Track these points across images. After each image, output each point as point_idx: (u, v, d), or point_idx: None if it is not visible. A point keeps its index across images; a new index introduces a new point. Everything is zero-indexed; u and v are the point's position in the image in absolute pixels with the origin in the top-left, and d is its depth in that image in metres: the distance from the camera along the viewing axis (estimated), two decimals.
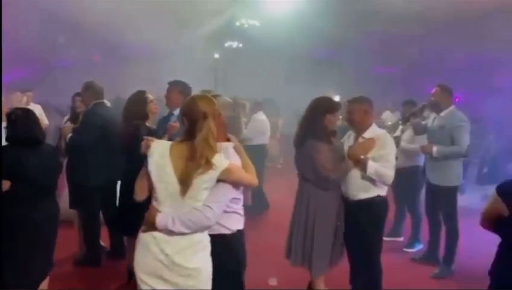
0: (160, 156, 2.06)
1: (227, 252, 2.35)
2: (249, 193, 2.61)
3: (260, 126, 6.31)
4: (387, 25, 9.12)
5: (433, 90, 4.33)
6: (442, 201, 4.35)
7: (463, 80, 9.09)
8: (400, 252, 4.99)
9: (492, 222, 2.12)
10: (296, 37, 10.44)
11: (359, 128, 3.32)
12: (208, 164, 2.01)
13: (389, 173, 3.19)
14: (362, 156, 3.16)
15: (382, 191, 3.28)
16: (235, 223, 2.43)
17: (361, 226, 3.23)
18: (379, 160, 3.17)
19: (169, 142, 2.17)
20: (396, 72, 12.44)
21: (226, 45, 14.10)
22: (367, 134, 3.27)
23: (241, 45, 14.01)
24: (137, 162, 2.31)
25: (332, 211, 3.31)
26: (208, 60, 13.26)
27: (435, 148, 4.19)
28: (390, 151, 3.24)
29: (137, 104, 3.54)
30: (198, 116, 2.06)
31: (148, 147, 2.12)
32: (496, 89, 9.28)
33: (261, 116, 6.44)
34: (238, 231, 2.46)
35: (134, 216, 2.24)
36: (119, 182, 3.74)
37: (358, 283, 3.39)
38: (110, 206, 3.85)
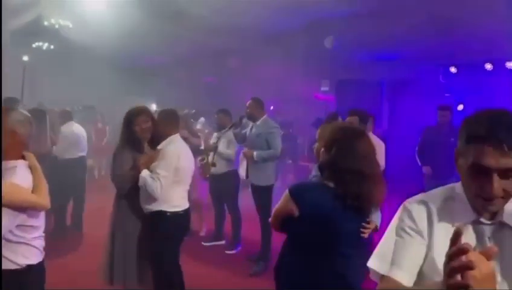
0: None
1: None
2: None
3: (71, 138, 5.74)
4: (209, 36, 9.47)
5: (248, 103, 4.90)
6: (259, 200, 4.80)
7: (276, 90, 10.18)
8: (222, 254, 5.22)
9: (281, 221, 2.26)
10: (117, 43, 9.94)
11: (157, 139, 3.36)
12: None
13: (153, 184, 3.15)
14: (143, 166, 3.19)
15: (156, 206, 3.23)
16: (25, 256, 2.09)
17: (152, 238, 3.26)
18: (152, 171, 3.20)
19: None
20: (215, 82, 13.06)
21: (34, 45, 12.56)
22: (160, 146, 3.31)
23: (52, 47, 12.66)
24: None
25: (131, 222, 3.30)
26: (14, 63, 11.56)
27: (254, 153, 4.68)
28: (158, 165, 3.20)
29: None
30: None
31: None
32: (303, 99, 10.65)
33: (71, 126, 5.87)
34: (29, 266, 2.10)
35: None
36: None
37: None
38: None
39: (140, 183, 3.17)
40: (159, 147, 3.30)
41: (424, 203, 1.36)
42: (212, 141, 5.52)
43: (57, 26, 11.11)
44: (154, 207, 3.23)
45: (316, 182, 2.31)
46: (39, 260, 2.15)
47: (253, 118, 4.90)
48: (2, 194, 1.87)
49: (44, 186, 2.11)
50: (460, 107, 10.32)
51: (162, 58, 12.35)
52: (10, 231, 1.98)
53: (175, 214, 3.28)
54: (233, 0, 7.51)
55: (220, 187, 5.42)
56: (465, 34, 7.40)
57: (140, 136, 3.32)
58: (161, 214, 3.24)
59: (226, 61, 11.26)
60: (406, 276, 1.31)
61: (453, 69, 9.29)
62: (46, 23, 11.08)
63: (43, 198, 2.05)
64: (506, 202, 1.25)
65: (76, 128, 5.94)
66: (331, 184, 2.14)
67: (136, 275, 3.33)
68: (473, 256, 0.99)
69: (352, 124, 3.79)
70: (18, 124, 2.08)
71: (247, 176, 4.93)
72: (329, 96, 10.95)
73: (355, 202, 2.10)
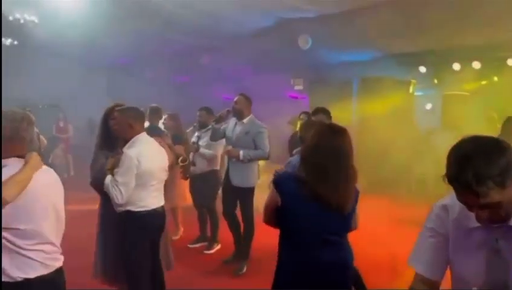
0: None
1: None
2: None
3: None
4: (180, 34, 9.33)
5: (237, 98, 4.66)
6: (242, 201, 4.70)
7: (247, 88, 10.12)
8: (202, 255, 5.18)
9: (272, 214, 2.31)
10: (87, 41, 9.65)
11: (122, 139, 3.22)
12: None
13: (113, 192, 3.04)
14: (108, 171, 3.12)
15: (130, 206, 3.14)
16: (20, 268, 1.93)
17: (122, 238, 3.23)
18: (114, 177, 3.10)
19: None
20: (188, 80, 12.90)
21: None
22: (125, 147, 3.16)
23: (16, 42, 12.18)
24: None
25: (111, 221, 3.28)
26: None
27: (241, 152, 4.48)
28: (118, 171, 3.08)
29: None
30: None
31: None
32: (276, 97, 10.64)
33: None
34: (27, 280, 1.94)
35: None
36: None
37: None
38: None
39: (105, 188, 3.07)
40: (123, 149, 3.13)
41: (446, 207, 1.51)
42: (193, 140, 5.38)
43: (22, 21, 10.69)
44: (122, 208, 3.13)
45: (292, 173, 2.39)
46: (38, 274, 1.96)
47: (240, 115, 4.62)
48: None
49: (16, 182, 1.90)
50: (429, 106, 10.60)
51: (131, 57, 12.09)
52: (2, 237, 1.85)
53: (143, 214, 3.16)
54: None
55: (200, 187, 5.28)
56: (435, 34, 7.56)
57: (114, 134, 3.25)
58: (128, 213, 3.13)
59: (198, 60, 11.12)
60: (428, 270, 1.54)
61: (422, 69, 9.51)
62: (10, 18, 10.65)
63: (4, 191, 1.83)
64: (506, 211, 1.32)
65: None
66: (306, 178, 2.18)
67: (114, 273, 3.37)
68: None
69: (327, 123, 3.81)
70: (4, 124, 2.00)
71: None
72: (303, 95, 11.01)
73: (319, 198, 2.15)
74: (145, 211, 3.18)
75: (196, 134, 5.44)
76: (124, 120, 3.14)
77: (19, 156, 2.02)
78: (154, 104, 5.66)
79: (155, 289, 3.41)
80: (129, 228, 3.17)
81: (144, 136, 3.23)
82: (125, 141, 3.18)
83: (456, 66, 8.87)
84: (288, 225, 2.25)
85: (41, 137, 4.99)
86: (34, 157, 2.04)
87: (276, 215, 2.29)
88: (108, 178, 3.07)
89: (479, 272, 1.39)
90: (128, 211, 3.13)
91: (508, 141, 1.33)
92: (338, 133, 2.27)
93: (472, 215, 1.35)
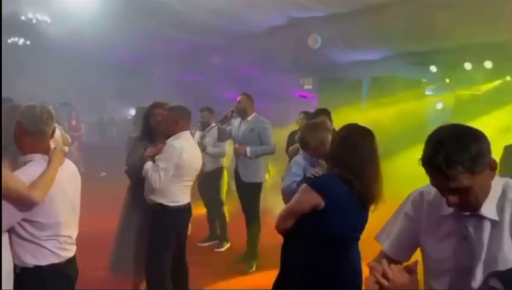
0: None
1: None
2: None
3: None
4: (192, 34, 9.37)
5: (239, 98, 4.74)
6: (248, 197, 4.74)
7: (257, 88, 10.12)
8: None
9: (293, 220, 2.34)
10: (96, 39, 9.73)
11: (168, 133, 3.40)
12: None
13: (152, 176, 3.21)
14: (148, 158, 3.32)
15: (156, 198, 3.30)
16: (34, 255, 2.01)
17: (152, 230, 3.35)
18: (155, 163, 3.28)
19: None
20: (196, 79, 12.94)
21: (10, 41, 12.20)
22: (168, 140, 3.37)
23: (28, 42, 12.33)
24: None
25: (135, 213, 3.46)
26: None
27: (248, 149, 4.54)
28: (160, 157, 3.27)
29: None
30: None
31: None
32: (285, 97, 10.63)
33: None
34: (37, 267, 2.01)
35: None
36: None
37: None
38: None
39: (143, 173, 3.25)
40: (167, 141, 3.33)
41: (422, 193, 1.56)
42: (196, 140, 5.41)
43: (34, 21, 10.83)
44: (155, 199, 3.29)
45: (332, 174, 2.39)
46: (50, 262, 2.03)
47: (244, 114, 4.72)
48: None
49: (44, 183, 1.98)
50: (440, 105, 10.49)
51: (140, 56, 12.16)
52: (21, 226, 1.93)
53: (172, 209, 3.31)
54: None
55: (208, 185, 5.32)
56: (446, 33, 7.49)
57: (154, 128, 3.47)
58: (160, 206, 3.30)
59: (207, 59, 11.15)
60: (393, 250, 1.62)
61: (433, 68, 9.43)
62: (22, 17, 10.79)
63: (34, 191, 1.93)
64: (476, 198, 1.37)
65: None
66: (348, 176, 2.25)
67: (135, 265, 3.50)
68: (391, 270, 1.26)
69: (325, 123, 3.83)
70: (24, 119, 2.07)
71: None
72: (312, 95, 10.98)
73: (360, 195, 2.26)
74: (177, 205, 3.34)
75: (198, 133, 5.48)
76: (171, 117, 3.36)
77: (42, 153, 2.08)
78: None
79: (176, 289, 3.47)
80: (159, 221, 3.30)
81: (187, 134, 3.45)
82: (168, 136, 3.36)
83: (468, 66, 8.77)
84: (331, 227, 2.26)
85: (65, 134, 5.09)
86: (57, 154, 2.11)
87: (305, 221, 2.29)
88: (149, 164, 3.25)
89: (448, 257, 1.45)
90: (161, 205, 3.29)
91: (508, 169, 1.39)
92: (370, 133, 2.37)
93: (445, 203, 1.40)
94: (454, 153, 1.29)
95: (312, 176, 2.58)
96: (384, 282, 1.26)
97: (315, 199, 2.22)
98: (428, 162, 1.34)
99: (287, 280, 2.39)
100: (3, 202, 1.87)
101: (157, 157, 3.26)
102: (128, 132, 6.51)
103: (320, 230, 2.27)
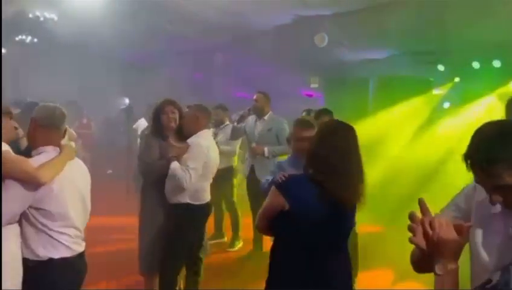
0: None
1: (29, 286, 2.00)
2: None
3: None
4: (199, 33, 9.37)
5: (256, 96, 4.73)
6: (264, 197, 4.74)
7: (263, 86, 10.10)
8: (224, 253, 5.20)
9: (269, 222, 2.35)
10: (104, 37, 9.76)
11: (186, 132, 3.47)
12: None
13: (183, 176, 3.22)
14: (173, 158, 3.30)
15: (183, 198, 3.31)
16: (45, 247, 2.04)
17: (168, 230, 3.38)
18: (182, 163, 3.28)
19: None
20: (204, 78, 12.93)
21: (17, 39, 12.26)
22: (190, 139, 3.42)
23: (36, 40, 12.38)
24: None
25: (158, 212, 3.41)
26: None
27: (266, 149, 4.54)
28: (189, 157, 3.28)
29: None
30: None
31: None
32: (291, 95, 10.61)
33: None
34: (50, 259, 2.06)
35: None
36: None
37: None
38: None
39: (170, 173, 3.23)
40: (188, 140, 3.33)
41: (475, 187, 1.52)
42: None
43: (41, 18, 10.87)
44: (181, 198, 3.29)
45: (302, 176, 2.30)
46: (62, 255, 2.07)
47: (261, 113, 4.74)
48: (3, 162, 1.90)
49: (52, 165, 2.07)
50: (447, 104, 10.42)
51: (148, 55, 12.18)
52: (33, 216, 1.96)
53: (198, 207, 3.37)
54: None
55: (218, 184, 5.31)
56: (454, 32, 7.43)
57: (166, 125, 3.45)
58: (187, 206, 3.32)
59: (214, 58, 11.15)
60: None
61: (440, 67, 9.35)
62: (30, 15, 10.84)
63: (40, 171, 2.00)
64: None
65: None
66: (320, 178, 2.15)
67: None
68: (438, 223, 1.20)
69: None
70: (38, 114, 2.21)
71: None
72: (318, 93, 10.94)
73: (332, 197, 2.11)
74: (203, 204, 3.41)
75: (211, 130, 5.47)
76: (192, 115, 3.41)
77: (55, 146, 2.19)
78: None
79: (189, 278, 3.55)
80: (185, 219, 3.32)
81: (208, 132, 3.53)
82: (187, 134, 3.39)
83: (476, 65, 8.69)
84: (297, 230, 2.17)
85: (71, 130, 5.13)
86: (69, 147, 2.22)
87: (275, 223, 2.22)
88: (176, 163, 3.24)
89: (493, 255, 1.43)
90: (188, 204, 3.32)
91: None
92: (340, 129, 2.23)
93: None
94: (497, 149, 1.25)
95: (283, 177, 2.43)
96: (429, 231, 1.20)
97: (280, 201, 2.17)
98: (471, 158, 1.31)
99: (271, 280, 2.35)
100: (14, 186, 1.92)
101: (185, 156, 3.26)
102: (135, 131, 6.52)
103: (289, 233, 2.20)
